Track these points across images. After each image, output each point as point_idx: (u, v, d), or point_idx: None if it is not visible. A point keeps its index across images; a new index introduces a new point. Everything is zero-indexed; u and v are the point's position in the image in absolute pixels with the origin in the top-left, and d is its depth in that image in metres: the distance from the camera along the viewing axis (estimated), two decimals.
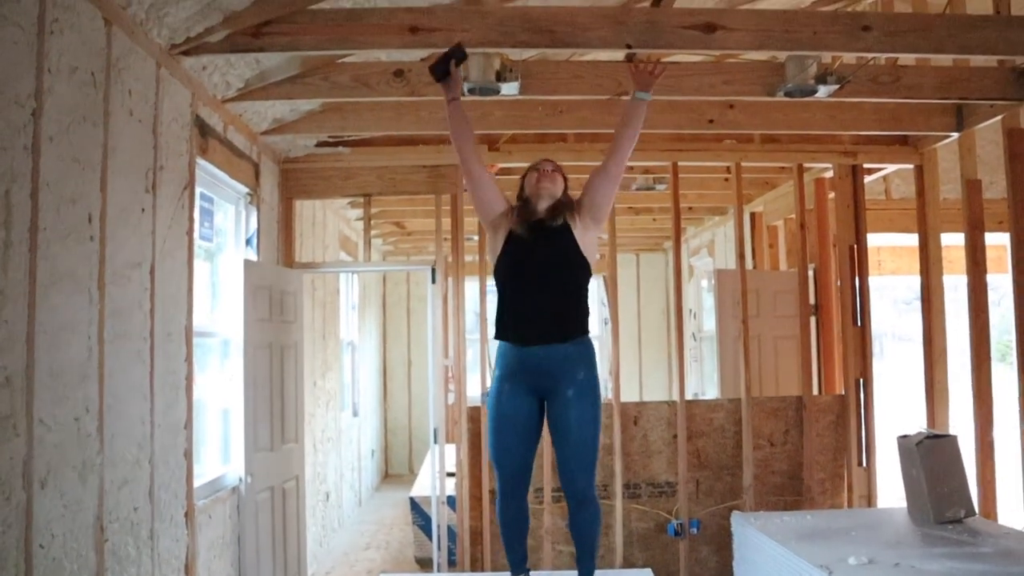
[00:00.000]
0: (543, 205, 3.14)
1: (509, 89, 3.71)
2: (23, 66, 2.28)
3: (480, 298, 5.15)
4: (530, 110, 4.51)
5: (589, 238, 3.16)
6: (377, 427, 9.65)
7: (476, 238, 5.20)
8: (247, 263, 4.22)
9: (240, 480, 4.06)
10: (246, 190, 4.38)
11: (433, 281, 5.09)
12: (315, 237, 6.05)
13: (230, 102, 3.88)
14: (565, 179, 3.22)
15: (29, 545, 2.25)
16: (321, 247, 6.25)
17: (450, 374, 5.27)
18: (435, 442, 5.05)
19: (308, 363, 5.40)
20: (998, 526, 4.08)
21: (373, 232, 7.05)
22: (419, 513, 5.69)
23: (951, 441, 4.20)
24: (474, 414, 4.96)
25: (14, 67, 2.24)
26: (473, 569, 4.88)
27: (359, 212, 6.65)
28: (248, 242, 4.47)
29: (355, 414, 8.06)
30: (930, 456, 4.11)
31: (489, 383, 3.17)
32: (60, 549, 2.42)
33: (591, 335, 3.21)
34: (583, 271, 3.14)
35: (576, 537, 3.22)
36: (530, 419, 3.10)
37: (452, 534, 5.10)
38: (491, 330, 3.21)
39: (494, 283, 3.21)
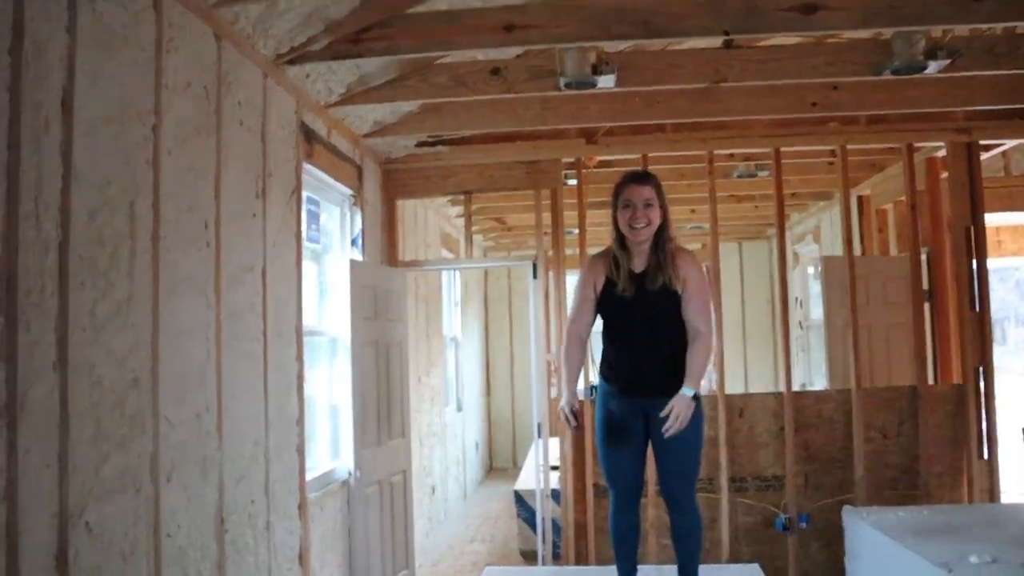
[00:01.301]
0: (639, 260, 3.08)
1: (605, 82, 3.69)
2: (143, 84, 2.42)
3: None
4: (626, 102, 4.47)
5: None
6: (480, 421, 9.78)
7: (576, 231, 5.20)
8: (353, 263, 4.34)
9: (349, 474, 4.19)
10: (350, 192, 4.50)
11: (534, 276, 5.13)
12: (417, 235, 6.17)
13: (333, 107, 4.00)
14: (661, 199, 3.10)
15: (158, 535, 2.39)
16: (423, 245, 6.37)
17: (553, 368, 5.29)
18: (538, 436, 5.08)
19: (412, 359, 5.53)
20: None
21: (474, 228, 7.11)
22: (523, 506, 5.74)
23: None
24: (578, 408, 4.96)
25: (136, 86, 2.38)
26: (578, 563, 4.90)
27: (460, 209, 6.75)
28: (353, 242, 4.59)
29: (459, 409, 8.19)
30: None
31: (593, 377, 3.19)
32: (185, 539, 2.56)
33: None
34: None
35: (676, 546, 3.21)
36: (637, 436, 3.10)
37: (556, 527, 5.13)
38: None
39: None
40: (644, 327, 3.04)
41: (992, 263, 5.16)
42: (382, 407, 4.56)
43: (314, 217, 4.27)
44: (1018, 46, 3.83)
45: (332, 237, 4.55)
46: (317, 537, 3.75)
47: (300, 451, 3.53)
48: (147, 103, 2.42)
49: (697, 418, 3.05)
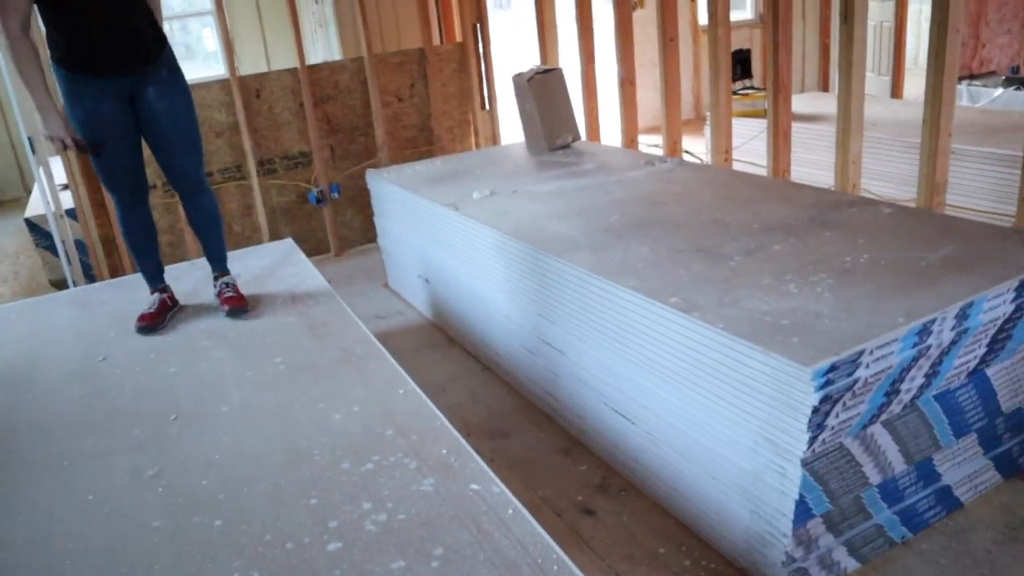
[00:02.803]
0: None
1: None
2: None
3: None
4: None
5: None
6: None
7: None
8: None
9: None
10: None
11: None
12: None
13: None
14: None
15: None
16: None
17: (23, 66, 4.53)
18: (33, 153, 4.45)
19: None
20: (599, 146, 4.56)
21: None
22: (40, 234, 5.16)
23: (558, 74, 4.48)
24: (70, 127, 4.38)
25: None
26: (114, 276, 4.62)
27: None
28: None
29: None
30: (540, 89, 4.38)
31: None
32: None
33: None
34: None
35: (199, 231, 3.11)
36: (125, 125, 2.78)
37: (84, 247, 4.73)
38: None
39: None
40: None
41: None
42: None
43: None
44: None
45: None
46: None
47: None
48: None
49: (185, 90, 2.85)
